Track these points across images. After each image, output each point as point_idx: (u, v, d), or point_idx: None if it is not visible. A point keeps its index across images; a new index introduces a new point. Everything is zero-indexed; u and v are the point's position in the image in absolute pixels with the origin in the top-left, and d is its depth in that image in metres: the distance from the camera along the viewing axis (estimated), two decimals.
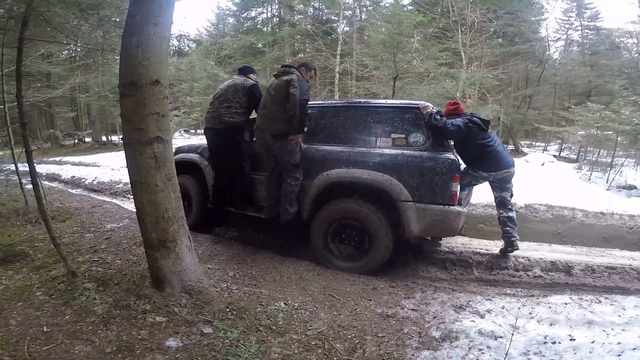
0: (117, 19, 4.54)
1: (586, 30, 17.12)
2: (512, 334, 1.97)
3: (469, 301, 2.73)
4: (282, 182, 3.48)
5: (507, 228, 3.58)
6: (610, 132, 7.75)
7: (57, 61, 11.84)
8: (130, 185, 2.41)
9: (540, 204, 4.92)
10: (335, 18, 18.85)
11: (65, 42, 5.75)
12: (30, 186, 2.91)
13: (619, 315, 2.41)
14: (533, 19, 15.92)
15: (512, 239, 3.54)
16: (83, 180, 7.93)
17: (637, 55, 15.83)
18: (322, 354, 2.00)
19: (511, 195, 3.74)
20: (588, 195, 5.67)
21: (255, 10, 23.27)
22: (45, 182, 7.64)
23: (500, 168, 3.50)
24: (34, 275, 2.73)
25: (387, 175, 3.13)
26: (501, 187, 3.65)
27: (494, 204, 3.78)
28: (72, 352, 1.88)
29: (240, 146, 3.82)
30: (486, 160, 3.47)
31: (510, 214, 3.65)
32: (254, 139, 3.76)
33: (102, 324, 2.12)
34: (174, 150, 4.42)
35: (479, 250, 3.75)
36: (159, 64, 2.16)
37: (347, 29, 17.63)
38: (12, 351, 1.85)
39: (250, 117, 3.92)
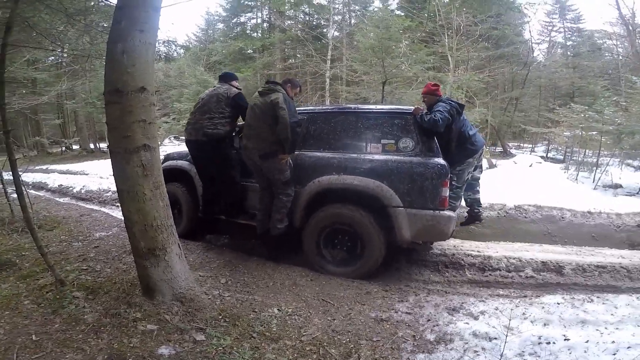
0: (105, 25, 4.48)
1: (569, 32, 17.52)
2: (507, 335, 1.98)
3: (463, 303, 2.74)
4: (274, 198, 3.42)
5: (476, 211, 3.91)
6: (594, 133, 7.92)
7: (43, 67, 11.64)
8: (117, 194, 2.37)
9: (530, 205, 4.99)
10: (325, 23, 19.00)
11: (51, 48, 5.66)
12: (15, 195, 2.85)
13: (612, 314, 2.43)
14: (517, 22, 16.28)
15: (480, 214, 3.95)
16: (71, 188, 7.79)
17: (617, 56, 16.26)
18: None
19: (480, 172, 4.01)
20: (575, 195, 5.78)
21: (245, 16, 23.33)
22: (32, 191, 7.50)
23: (480, 146, 3.69)
24: (21, 284, 2.68)
25: (378, 181, 3.14)
26: (475, 166, 3.80)
27: (486, 206, 3.86)
28: None
29: (226, 156, 3.72)
30: (467, 143, 3.57)
31: (478, 196, 3.94)
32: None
33: (92, 332, 2.08)
34: (162, 157, 4.42)
35: (471, 252, 3.78)
36: (144, 70, 2.14)
37: (337, 34, 17.79)
38: None
39: (238, 123, 3.86)
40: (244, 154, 3.52)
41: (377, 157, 3.25)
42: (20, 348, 1.91)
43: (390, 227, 3.14)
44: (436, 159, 3.10)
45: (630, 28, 12.49)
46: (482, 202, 4.01)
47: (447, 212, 3.05)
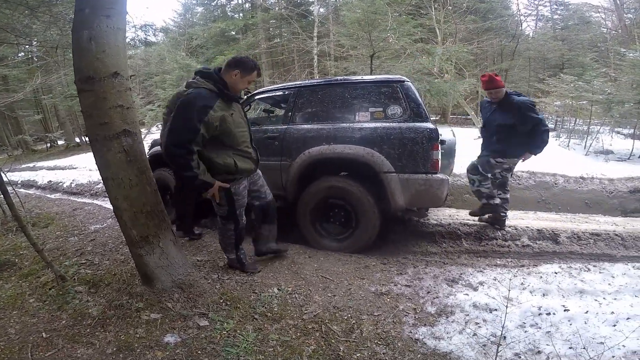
0: (72, 16, 4.32)
1: (554, 6, 17.39)
2: (507, 307, 2.01)
3: (461, 274, 2.78)
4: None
5: (503, 211, 3.68)
6: (584, 102, 7.97)
7: (13, 63, 11.25)
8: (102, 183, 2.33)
9: (523, 171, 5.02)
10: (310, 0, 18.45)
11: (16, 42, 5.46)
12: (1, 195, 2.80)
13: (609, 284, 2.48)
14: None
15: (504, 219, 3.69)
16: (60, 184, 7.66)
17: (604, 29, 16.22)
18: (320, 337, 2.01)
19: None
20: (568, 161, 5.84)
21: None
22: (22, 190, 7.38)
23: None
24: (23, 283, 2.68)
25: (369, 148, 3.13)
26: (510, 168, 3.76)
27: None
28: (75, 356, 1.86)
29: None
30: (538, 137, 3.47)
31: (507, 195, 3.77)
32: None
33: (98, 325, 2.09)
34: (149, 143, 4.34)
35: (467, 222, 3.81)
36: (116, 55, 2.07)
37: (322, 10, 17.31)
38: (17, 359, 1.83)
39: None
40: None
41: (366, 125, 3.24)
42: (33, 346, 1.93)
43: (384, 196, 3.15)
44: (425, 124, 3.09)
45: (618, 2, 12.45)
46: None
47: (440, 176, 3.07)
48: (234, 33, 20.06)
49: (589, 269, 2.73)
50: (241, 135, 2.50)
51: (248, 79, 2.44)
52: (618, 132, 8.62)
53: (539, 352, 1.84)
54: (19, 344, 1.95)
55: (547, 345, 1.86)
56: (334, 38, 13.78)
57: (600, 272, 2.67)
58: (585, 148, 7.05)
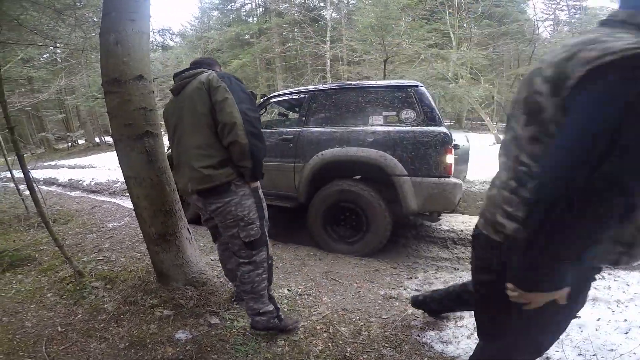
0: (96, 19, 4.48)
1: (572, 10, 17.10)
2: None
3: None
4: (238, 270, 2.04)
5: None
6: None
7: (39, 64, 11.68)
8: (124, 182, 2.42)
9: None
10: (323, 4, 18.59)
11: (43, 44, 5.68)
12: (28, 192, 2.92)
13: (624, 292, 2.42)
14: None
15: None
16: (80, 182, 7.90)
17: None
18: (328, 338, 2.03)
19: None
20: None
21: (239, 2, 22.89)
22: (43, 187, 7.63)
23: None
24: (42, 278, 2.78)
25: (381, 151, 3.15)
26: None
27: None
28: (88, 350, 1.93)
29: None
30: None
31: None
32: None
33: (113, 320, 2.17)
34: (167, 144, 4.45)
35: None
36: (140, 59, 2.15)
37: (335, 14, 17.41)
38: (32, 352, 1.91)
39: None
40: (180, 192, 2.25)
41: (379, 128, 3.26)
42: (48, 340, 2.01)
43: (396, 199, 3.16)
44: (438, 128, 3.10)
45: None
46: (490, 176, 3.87)
47: (453, 179, 3.06)
48: (248, 37, 20.36)
49: (603, 277, 2.68)
50: None
51: None
52: None
53: (547, 358, 1.82)
54: (35, 337, 2.03)
55: (557, 351, 1.84)
56: (347, 42, 13.84)
57: (615, 280, 2.62)
58: None
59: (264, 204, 2.00)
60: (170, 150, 2.10)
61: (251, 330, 2.04)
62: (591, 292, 2.39)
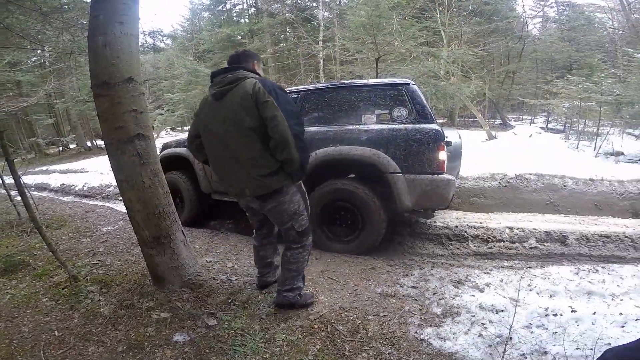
0: (84, 22, 4.44)
1: (561, 7, 17.29)
2: (516, 307, 2.00)
3: (468, 275, 2.78)
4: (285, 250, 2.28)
5: None
6: (593, 103, 7.89)
7: (27, 68, 11.55)
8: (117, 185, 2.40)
9: (531, 174, 4.99)
10: (315, 4, 18.59)
11: (30, 47, 5.61)
12: (19, 198, 2.88)
13: (618, 285, 2.45)
14: None
15: None
16: (73, 187, 7.81)
17: (611, 30, 16.09)
18: (326, 337, 2.03)
19: None
20: (577, 163, 5.78)
21: (230, 2, 22.79)
22: (35, 192, 7.54)
23: None
24: (37, 283, 2.77)
25: (375, 149, 3.17)
26: None
27: (487, 176, 3.72)
28: (86, 354, 1.92)
29: None
30: None
31: None
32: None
33: (110, 324, 2.16)
34: (160, 146, 4.43)
35: (474, 224, 3.80)
36: (129, 61, 2.14)
37: (327, 14, 17.42)
38: (30, 357, 1.90)
39: None
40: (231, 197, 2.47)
41: (372, 127, 3.27)
42: (46, 345, 2.00)
43: (390, 197, 3.17)
44: (430, 125, 3.12)
45: (625, 2, 12.34)
46: (483, 172, 3.82)
47: (446, 176, 3.08)
48: (240, 38, 20.28)
49: (597, 271, 2.71)
50: None
51: (260, 66, 2.26)
52: (629, 134, 8.51)
53: (545, 352, 1.84)
54: (32, 342, 2.02)
55: (554, 346, 1.86)
56: (339, 42, 13.86)
57: (609, 274, 2.65)
58: (594, 150, 6.96)
59: (306, 195, 2.25)
60: (189, 147, 2.26)
61: (275, 308, 2.27)
62: (586, 286, 2.45)
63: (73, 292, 2.50)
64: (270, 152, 1.98)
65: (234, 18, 22.64)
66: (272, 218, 2.23)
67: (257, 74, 2.13)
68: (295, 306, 2.27)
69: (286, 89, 2.47)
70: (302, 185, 2.21)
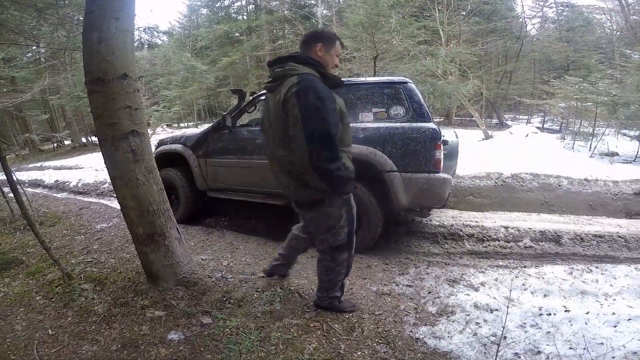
0: (80, 17, 4.39)
1: (560, 7, 17.37)
2: (508, 307, 2.01)
3: (463, 274, 2.80)
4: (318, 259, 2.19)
5: None
6: (589, 104, 7.93)
7: (21, 64, 11.43)
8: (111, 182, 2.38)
9: (526, 173, 5.01)
10: (314, 2, 18.54)
11: (25, 44, 5.55)
12: (12, 194, 2.86)
13: (611, 285, 2.47)
14: None
15: None
16: (67, 183, 7.75)
17: (609, 31, 16.19)
18: (322, 336, 2.03)
19: None
20: (572, 163, 5.81)
21: None
22: (29, 189, 7.47)
23: None
24: (30, 281, 2.73)
25: (371, 147, 3.16)
26: None
27: (483, 175, 3.74)
28: (80, 353, 1.91)
29: None
30: None
31: None
32: None
33: (104, 322, 2.14)
34: (155, 143, 4.40)
35: (469, 223, 3.81)
36: (124, 57, 2.11)
37: (325, 12, 17.39)
38: (23, 355, 1.88)
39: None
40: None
41: (369, 125, 3.27)
42: (39, 343, 1.98)
43: (387, 195, 3.17)
44: (427, 124, 3.12)
45: (624, 3, 12.41)
46: (479, 171, 3.84)
47: (442, 175, 3.09)
48: (238, 34, 20.20)
49: (591, 270, 2.73)
50: (350, 131, 2.07)
51: (334, 52, 1.94)
52: (624, 134, 8.57)
53: (539, 352, 1.85)
54: (25, 340, 2.00)
55: (548, 345, 1.87)
56: None
57: (602, 274, 2.67)
58: (590, 150, 7.01)
59: (354, 211, 2.06)
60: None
61: (313, 307, 2.27)
62: (580, 286, 2.46)
63: (67, 290, 2.48)
64: None
65: (232, 15, 22.53)
66: (310, 226, 2.21)
67: (316, 63, 1.83)
68: (334, 309, 2.23)
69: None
70: (352, 199, 2.02)
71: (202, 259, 2.98)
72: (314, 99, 1.67)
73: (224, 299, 2.36)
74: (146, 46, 21.33)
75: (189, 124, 18.32)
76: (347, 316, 2.21)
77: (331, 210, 1.94)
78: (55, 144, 17.45)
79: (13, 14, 3.77)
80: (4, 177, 2.70)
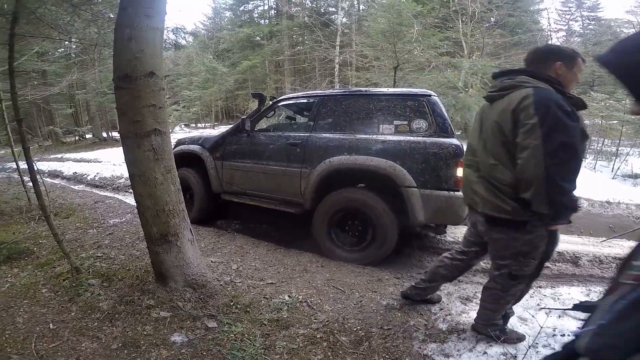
0: (111, 15, 4.51)
1: (587, 21, 17.06)
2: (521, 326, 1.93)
3: (476, 292, 2.70)
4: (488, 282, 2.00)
5: None
6: (615, 122, 7.70)
7: (53, 58, 11.86)
8: (129, 178, 2.39)
9: None
10: (334, 9, 18.68)
11: (58, 38, 5.72)
12: (32, 184, 2.90)
13: None
14: (532, 8, 15.89)
15: None
16: (85, 176, 7.92)
17: None
18: (328, 348, 1.98)
19: None
20: (593, 184, 5.62)
21: (252, 3, 23.09)
22: (48, 179, 7.65)
23: None
24: (39, 273, 2.74)
25: (391, 161, 3.09)
26: None
27: None
28: (79, 349, 1.88)
29: None
30: None
31: None
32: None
33: (107, 320, 2.12)
34: (174, 142, 4.45)
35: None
36: (153, 55, 2.12)
37: (345, 20, 17.47)
38: (20, 349, 1.86)
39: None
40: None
41: (390, 137, 3.20)
42: (39, 337, 1.96)
43: (404, 210, 3.09)
44: (450, 140, 3.04)
45: None
46: None
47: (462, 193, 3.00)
48: (259, 38, 20.50)
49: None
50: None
51: (577, 70, 1.75)
52: None
53: (537, 352, 1.77)
54: (25, 334, 1.98)
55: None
56: (357, 48, 13.86)
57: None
58: (612, 171, 6.78)
59: (557, 242, 1.82)
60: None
61: (471, 329, 2.13)
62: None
63: (74, 284, 2.48)
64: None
65: (255, 19, 22.92)
66: (491, 248, 1.88)
67: (554, 80, 1.64)
68: (493, 338, 1.99)
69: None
70: (558, 232, 1.76)
71: (211, 261, 2.96)
72: (558, 112, 1.50)
73: (231, 303, 2.33)
74: (172, 46, 21.85)
75: (206, 124, 18.61)
76: (354, 329, 2.15)
77: (529, 238, 1.69)
78: (77, 137, 17.94)
79: (50, 9, 3.88)
80: (26, 165, 2.74)
